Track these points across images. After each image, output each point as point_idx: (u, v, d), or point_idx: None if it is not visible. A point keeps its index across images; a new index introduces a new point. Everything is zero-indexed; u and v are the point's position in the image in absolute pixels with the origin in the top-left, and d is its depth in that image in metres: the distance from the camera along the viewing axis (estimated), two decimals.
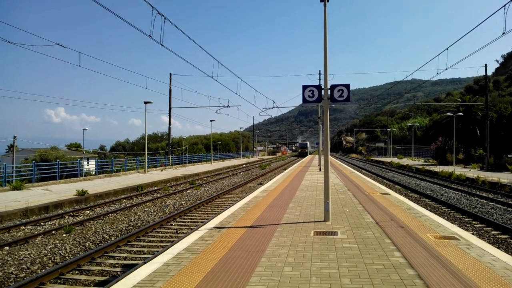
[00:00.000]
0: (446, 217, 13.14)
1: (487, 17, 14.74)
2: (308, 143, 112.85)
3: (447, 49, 19.55)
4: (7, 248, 9.55)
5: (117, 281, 5.23)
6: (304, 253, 6.28)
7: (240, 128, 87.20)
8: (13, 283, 7.36)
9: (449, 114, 41.93)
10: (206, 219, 12.98)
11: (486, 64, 35.92)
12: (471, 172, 30.04)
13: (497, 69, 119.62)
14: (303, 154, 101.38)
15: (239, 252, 6.38)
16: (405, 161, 55.01)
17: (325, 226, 8.42)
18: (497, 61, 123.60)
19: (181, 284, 4.88)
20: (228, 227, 8.37)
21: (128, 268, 7.71)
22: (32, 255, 9.02)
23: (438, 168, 35.23)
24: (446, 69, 22.23)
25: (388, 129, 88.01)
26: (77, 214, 14.37)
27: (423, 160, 55.51)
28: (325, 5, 9.36)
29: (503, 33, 15.05)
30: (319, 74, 30.49)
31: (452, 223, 10.35)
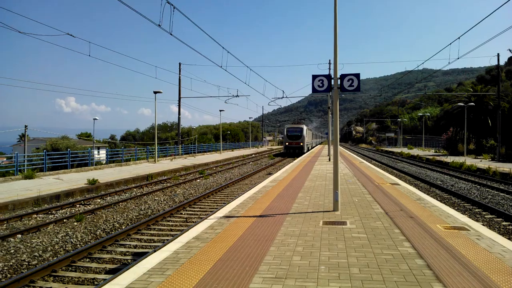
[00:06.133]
0: (456, 208, 13.06)
1: (499, 6, 14.49)
2: (304, 128, 50.45)
3: (459, 38, 19.25)
4: (19, 236, 9.72)
5: (127, 269, 5.29)
6: (313, 243, 6.29)
7: (249, 118, 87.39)
8: (26, 270, 7.50)
9: (460, 104, 41.49)
10: (216, 208, 13.05)
11: (498, 54, 35.29)
12: (482, 163, 29.74)
13: (509, 58, 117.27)
14: (293, 150, 47.91)
15: (248, 241, 6.41)
16: (415, 151, 54.62)
17: (334, 216, 8.41)
18: (510, 50, 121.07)
19: (191, 272, 4.92)
20: (237, 216, 8.40)
21: (139, 256, 7.80)
22: (44, 243, 9.16)
23: (449, 159, 34.93)
24: (458, 58, 21.91)
25: (398, 119, 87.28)
26: (88, 203, 14.53)
27: (433, 151, 55.06)
28: None
29: None
30: (329, 63, 30.18)
31: (462, 213, 10.28)
